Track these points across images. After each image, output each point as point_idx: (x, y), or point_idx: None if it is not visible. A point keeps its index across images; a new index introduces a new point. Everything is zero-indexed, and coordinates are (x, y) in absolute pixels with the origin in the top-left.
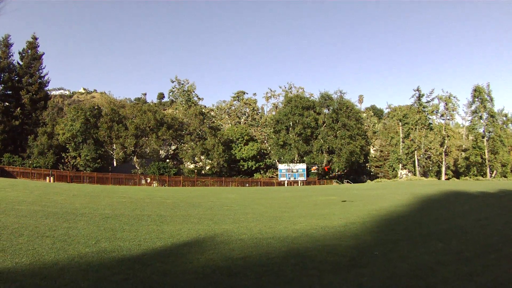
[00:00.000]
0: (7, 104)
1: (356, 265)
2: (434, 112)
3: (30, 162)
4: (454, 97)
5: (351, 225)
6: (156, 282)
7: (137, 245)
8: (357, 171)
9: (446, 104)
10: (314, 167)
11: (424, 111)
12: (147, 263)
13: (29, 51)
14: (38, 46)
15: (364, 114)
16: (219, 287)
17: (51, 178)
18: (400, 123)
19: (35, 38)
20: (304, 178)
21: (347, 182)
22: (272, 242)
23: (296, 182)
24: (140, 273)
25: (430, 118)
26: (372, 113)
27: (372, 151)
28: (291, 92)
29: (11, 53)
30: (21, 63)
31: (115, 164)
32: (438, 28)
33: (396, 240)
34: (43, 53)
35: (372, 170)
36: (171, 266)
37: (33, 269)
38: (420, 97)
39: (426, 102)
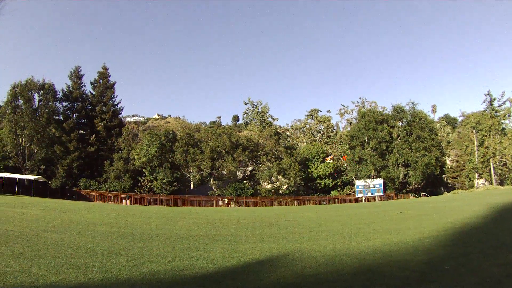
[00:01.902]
0: (82, 132)
1: (425, 280)
2: (507, 116)
3: (106, 186)
4: None
5: (425, 239)
6: None
7: (210, 263)
8: (434, 183)
9: None
10: (329, 157)
11: (497, 116)
12: (219, 280)
13: (101, 81)
14: (109, 76)
15: (438, 124)
16: None
17: (128, 201)
18: (474, 131)
19: (105, 69)
20: (381, 194)
21: (424, 195)
22: (345, 258)
23: (374, 197)
24: None
25: (503, 123)
26: (446, 123)
27: (448, 161)
28: (364, 107)
29: (82, 84)
30: (93, 92)
31: (192, 187)
32: (503, 28)
33: (468, 253)
34: (115, 82)
35: (449, 181)
36: (241, 283)
37: (105, 284)
38: (491, 101)
39: (498, 106)
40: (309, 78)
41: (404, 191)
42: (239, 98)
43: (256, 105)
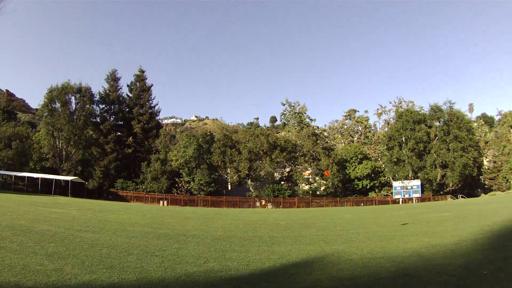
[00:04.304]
0: (119, 133)
1: (463, 285)
2: None
3: (143, 187)
4: None
5: (463, 242)
6: None
7: (245, 265)
8: (471, 184)
9: None
10: (307, 172)
11: None
12: (254, 282)
13: (138, 83)
14: (146, 78)
15: (475, 124)
16: None
17: (165, 202)
18: (511, 130)
19: (142, 71)
20: (418, 195)
21: (462, 197)
22: (382, 262)
23: (411, 199)
24: None
25: None
26: (483, 122)
27: (485, 162)
28: (401, 106)
29: (119, 87)
30: (130, 95)
31: (229, 188)
32: None
33: (506, 257)
34: (152, 85)
35: (486, 182)
36: (277, 286)
37: (138, 285)
38: None
39: None
40: (346, 78)
41: (441, 192)
42: (276, 99)
43: (293, 106)
